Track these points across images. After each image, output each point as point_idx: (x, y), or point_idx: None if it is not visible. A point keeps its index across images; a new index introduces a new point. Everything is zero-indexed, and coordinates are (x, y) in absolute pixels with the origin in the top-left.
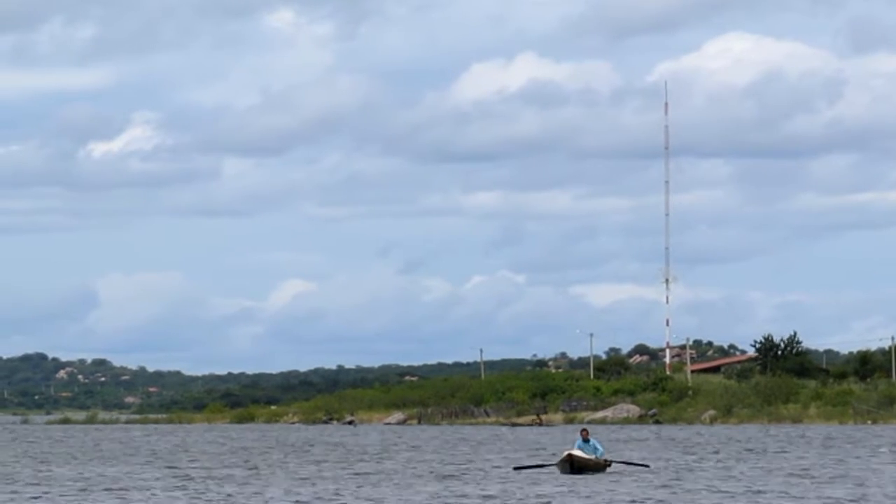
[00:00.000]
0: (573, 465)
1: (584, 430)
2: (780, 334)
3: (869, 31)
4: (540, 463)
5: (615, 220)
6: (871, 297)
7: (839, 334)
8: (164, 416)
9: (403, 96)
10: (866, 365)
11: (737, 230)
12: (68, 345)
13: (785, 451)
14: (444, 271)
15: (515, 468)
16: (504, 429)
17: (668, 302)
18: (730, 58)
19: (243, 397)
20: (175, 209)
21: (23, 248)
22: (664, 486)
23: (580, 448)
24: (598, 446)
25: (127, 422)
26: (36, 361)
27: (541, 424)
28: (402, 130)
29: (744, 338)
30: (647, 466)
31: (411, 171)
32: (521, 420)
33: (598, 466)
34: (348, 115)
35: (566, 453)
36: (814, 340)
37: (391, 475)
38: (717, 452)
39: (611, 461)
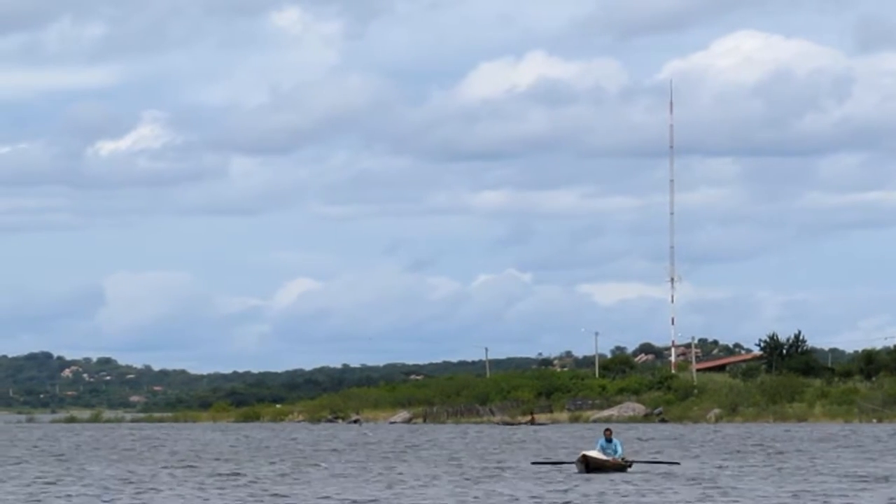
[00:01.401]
0: (588, 465)
1: (607, 430)
2: (786, 333)
3: (878, 29)
4: (561, 460)
5: (622, 218)
6: (878, 296)
7: (846, 333)
8: (170, 414)
9: (412, 95)
10: (871, 364)
11: (744, 229)
12: (75, 343)
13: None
14: (451, 270)
15: (533, 462)
16: (532, 427)
17: (673, 301)
18: (738, 56)
19: (248, 396)
20: (182, 208)
21: (30, 246)
22: None
23: (602, 448)
24: (619, 447)
25: (132, 420)
26: (41, 360)
27: (534, 423)
28: (410, 129)
29: (750, 336)
30: (677, 464)
31: (419, 170)
32: (519, 419)
33: (615, 467)
34: (356, 114)
35: (581, 454)
36: (821, 339)
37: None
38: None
39: (632, 462)
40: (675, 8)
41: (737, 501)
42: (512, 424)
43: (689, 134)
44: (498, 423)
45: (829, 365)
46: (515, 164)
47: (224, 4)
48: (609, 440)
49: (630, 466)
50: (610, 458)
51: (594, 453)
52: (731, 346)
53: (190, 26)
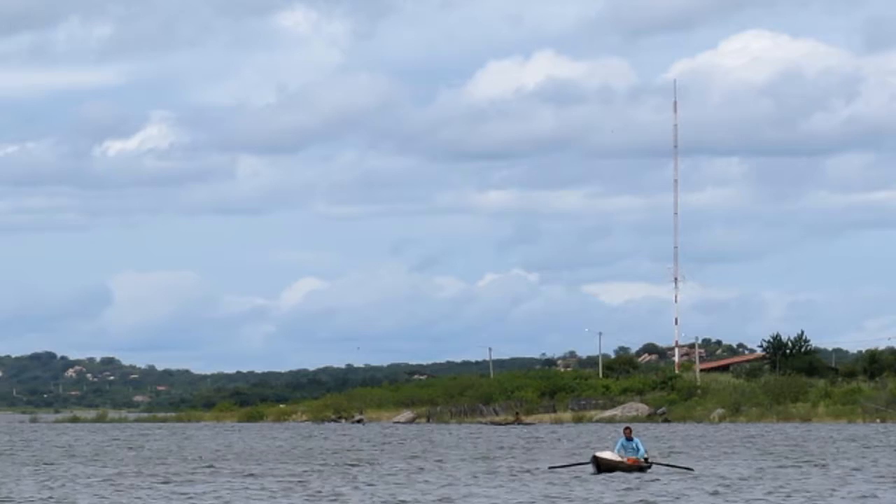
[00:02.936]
0: (599, 467)
1: (627, 428)
2: (792, 333)
3: (886, 29)
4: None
5: (629, 218)
6: (884, 296)
7: (852, 333)
8: (173, 414)
9: (419, 94)
10: (875, 364)
11: (751, 229)
12: (79, 343)
13: None
14: (457, 269)
15: (550, 467)
16: (516, 426)
17: (676, 301)
18: (747, 56)
19: (252, 396)
20: (189, 207)
21: (36, 246)
22: None
23: (623, 447)
24: (640, 446)
25: (136, 420)
26: (45, 360)
27: (520, 423)
28: (418, 128)
29: (756, 337)
30: (690, 470)
31: (426, 170)
32: (527, 419)
33: (630, 468)
34: (363, 113)
35: (593, 454)
36: (827, 339)
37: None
38: None
39: (652, 462)
40: (684, 7)
41: None
42: (496, 424)
43: (696, 133)
44: (486, 423)
45: (833, 365)
46: (522, 163)
47: (232, 4)
48: (629, 439)
49: (650, 468)
50: (625, 459)
51: (606, 454)
52: (734, 346)
53: (198, 26)
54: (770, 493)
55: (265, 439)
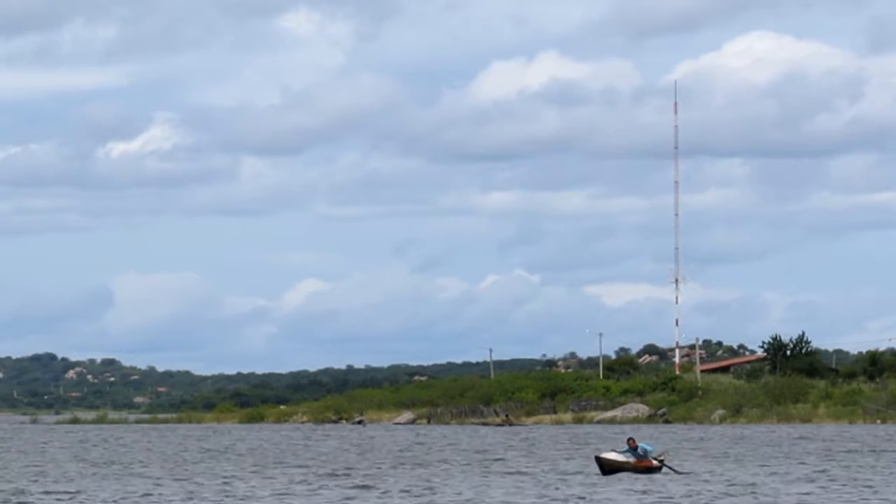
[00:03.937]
0: (603, 468)
1: (630, 439)
2: (793, 334)
3: (890, 30)
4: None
5: (631, 220)
6: (885, 297)
7: (853, 334)
8: (174, 415)
9: (422, 95)
10: (875, 365)
11: (752, 230)
12: (81, 344)
13: None
14: (460, 271)
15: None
16: (510, 428)
17: (677, 302)
18: (751, 57)
19: (252, 397)
20: (191, 209)
21: (39, 247)
22: None
23: (629, 452)
24: (647, 447)
25: (136, 421)
26: (45, 361)
27: (510, 425)
28: (420, 130)
29: (756, 338)
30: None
31: (428, 171)
32: (529, 420)
33: (635, 468)
34: (366, 115)
35: (594, 455)
36: (827, 340)
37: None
38: None
39: (662, 463)
40: (688, 9)
41: None
42: (486, 425)
43: (700, 134)
44: (478, 424)
45: (834, 366)
46: (525, 164)
47: (235, 6)
48: (633, 449)
49: (661, 468)
50: (630, 460)
51: (610, 455)
52: (735, 347)
53: (201, 28)
54: None
55: (322, 440)
